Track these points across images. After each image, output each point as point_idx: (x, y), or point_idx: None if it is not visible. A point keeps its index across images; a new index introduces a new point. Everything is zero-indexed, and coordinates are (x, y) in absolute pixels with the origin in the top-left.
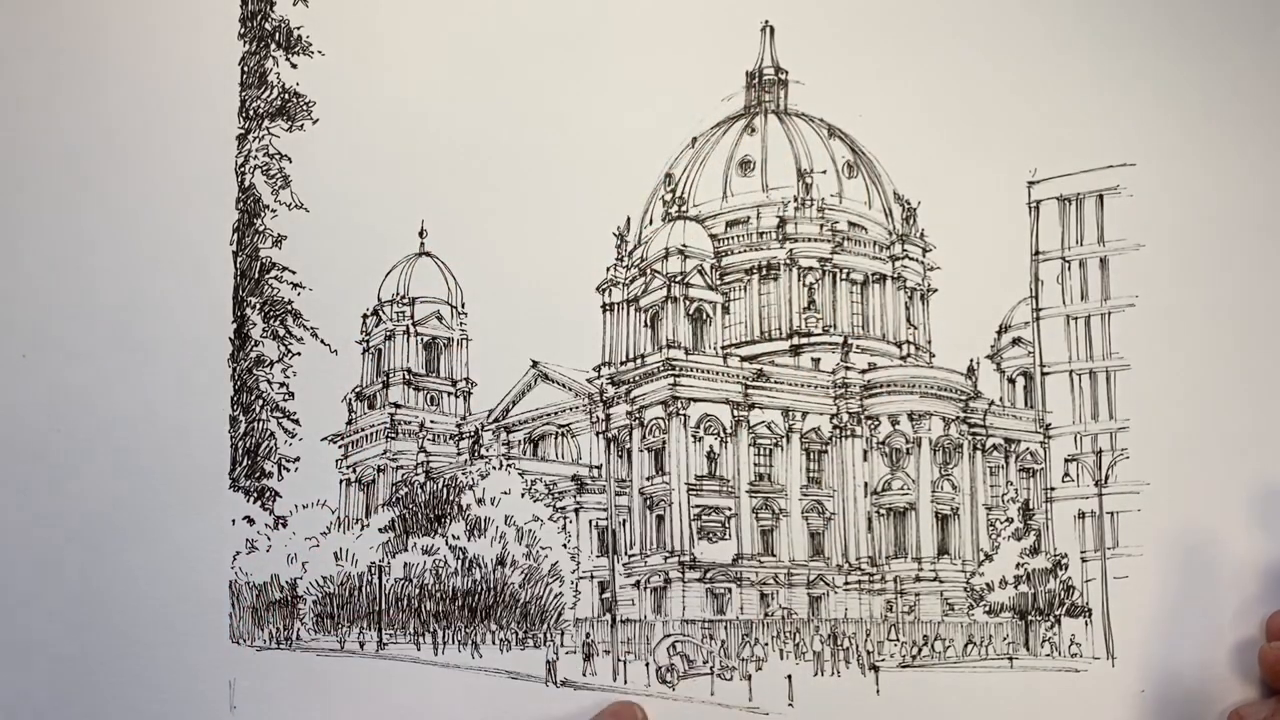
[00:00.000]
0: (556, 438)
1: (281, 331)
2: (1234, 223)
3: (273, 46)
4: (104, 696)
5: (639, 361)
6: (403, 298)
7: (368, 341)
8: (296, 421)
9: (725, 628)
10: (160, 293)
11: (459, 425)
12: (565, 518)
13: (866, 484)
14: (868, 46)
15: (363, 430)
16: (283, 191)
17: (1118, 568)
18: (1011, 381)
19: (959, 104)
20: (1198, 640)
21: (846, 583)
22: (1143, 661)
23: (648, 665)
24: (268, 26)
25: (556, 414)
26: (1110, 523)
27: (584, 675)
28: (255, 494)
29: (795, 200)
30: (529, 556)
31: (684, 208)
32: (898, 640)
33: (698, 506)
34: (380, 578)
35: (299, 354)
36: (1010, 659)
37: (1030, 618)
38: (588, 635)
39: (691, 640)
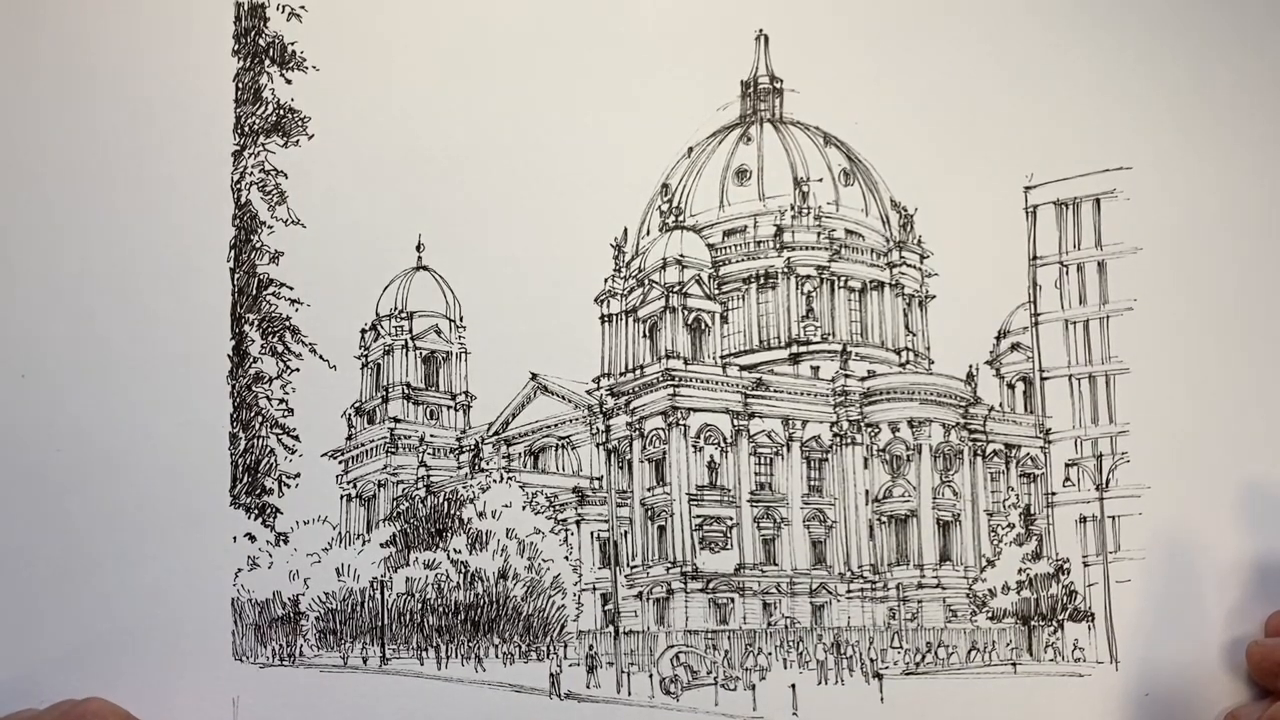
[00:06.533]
0: (557, 450)
1: (280, 348)
2: (1232, 225)
3: (267, 63)
4: None
5: (638, 372)
6: (401, 312)
7: (366, 356)
8: (296, 438)
9: (728, 637)
10: (158, 310)
11: (459, 439)
12: (567, 530)
13: (867, 491)
14: (862, 54)
15: (363, 445)
16: (279, 207)
17: (1120, 572)
18: (1011, 387)
19: (954, 110)
20: (1201, 643)
21: (849, 591)
22: (1146, 665)
23: (651, 676)
24: (261, 43)
25: (556, 426)
26: (1111, 527)
27: (588, 687)
28: (256, 511)
29: (792, 209)
30: (531, 569)
31: (681, 218)
32: (901, 648)
33: (699, 516)
34: (382, 593)
35: (298, 370)
36: (1014, 664)
37: (1033, 623)
38: (591, 647)
39: (695, 650)
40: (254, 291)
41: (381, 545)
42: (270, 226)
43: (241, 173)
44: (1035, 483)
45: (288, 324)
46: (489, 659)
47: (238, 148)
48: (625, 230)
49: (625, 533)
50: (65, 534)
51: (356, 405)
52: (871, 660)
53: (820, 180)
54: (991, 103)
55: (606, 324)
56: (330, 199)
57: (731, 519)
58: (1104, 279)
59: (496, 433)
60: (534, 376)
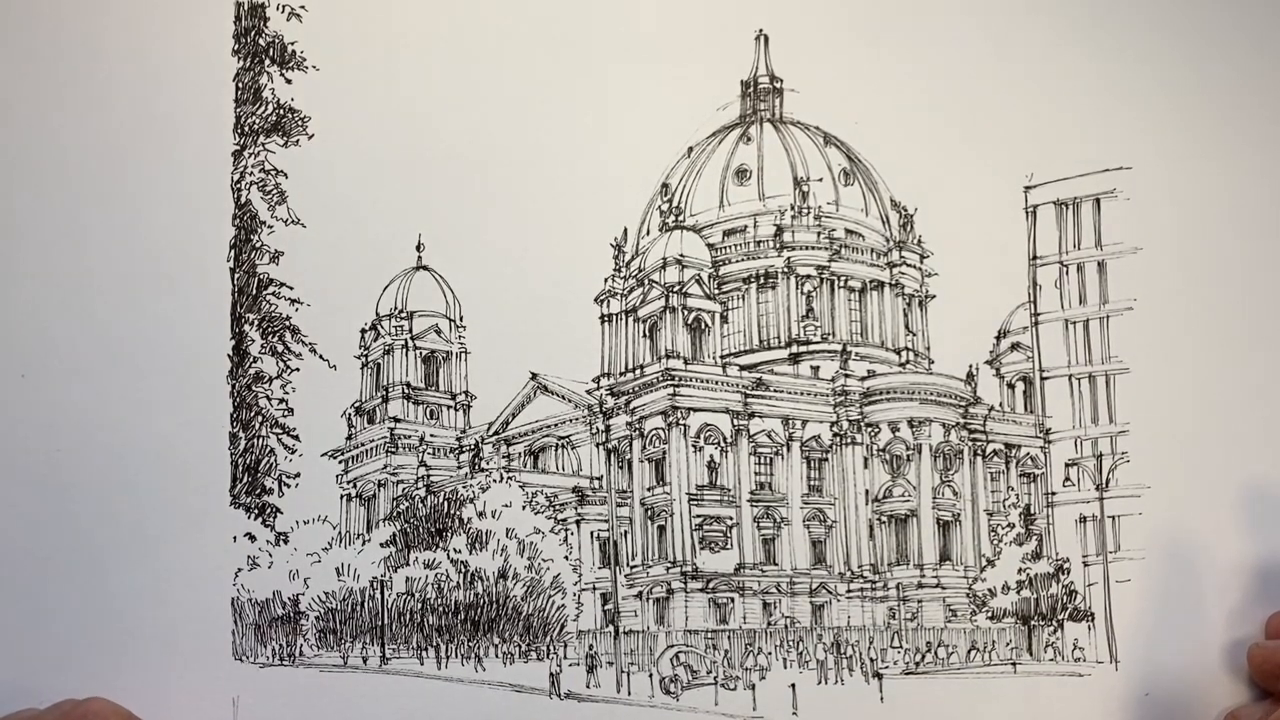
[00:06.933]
0: (557, 450)
1: (280, 347)
2: (1232, 225)
3: (266, 62)
4: None
5: (638, 372)
6: (401, 312)
7: (366, 356)
8: (296, 437)
9: (728, 637)
10: (159, 310)
11: (459, 439)
12: (567, 530)
13: (867, 491)
14: (862, 53)
15: (363, 445)
16: (279, 207)
17: (1120, 571)
18: (1011, 387)
19: (955, 110)
20: (1201, 643)
21: (849, 590)
22: (1146, 665)
23: (651, 676)
24: (261, 43)
25: (556, 426)
26: (1111, 526)
27: (588, 687)
28: (256, 511)
29: (792, 209)
30: (531, 569)
31: (681, 218)
32: (901, 647)
33: (699, 516)
34: (382, 592)
35: (298, 370)
36: (1014, 664)
37: (1033, 622)
38: (591, 647)
39: (695, 650)
40: (254, 291)
41: (381, 545)
42: (270, 226)
43: (241, 173)
44: (1035, 483)
45: (288, 324)
46: (489, 659)
47: (238, 148)
48: (625, 230)
49: (625, 533)
50: (65, 534)
51: (356, 405)
52: (871, 660)
53: (820, 180)
54: (992, 103)
55: (606, 324)
56: (330, 199)
57: (731, 519)
58: (1104, 279)
59: (496, 433)
60: (534, 376)
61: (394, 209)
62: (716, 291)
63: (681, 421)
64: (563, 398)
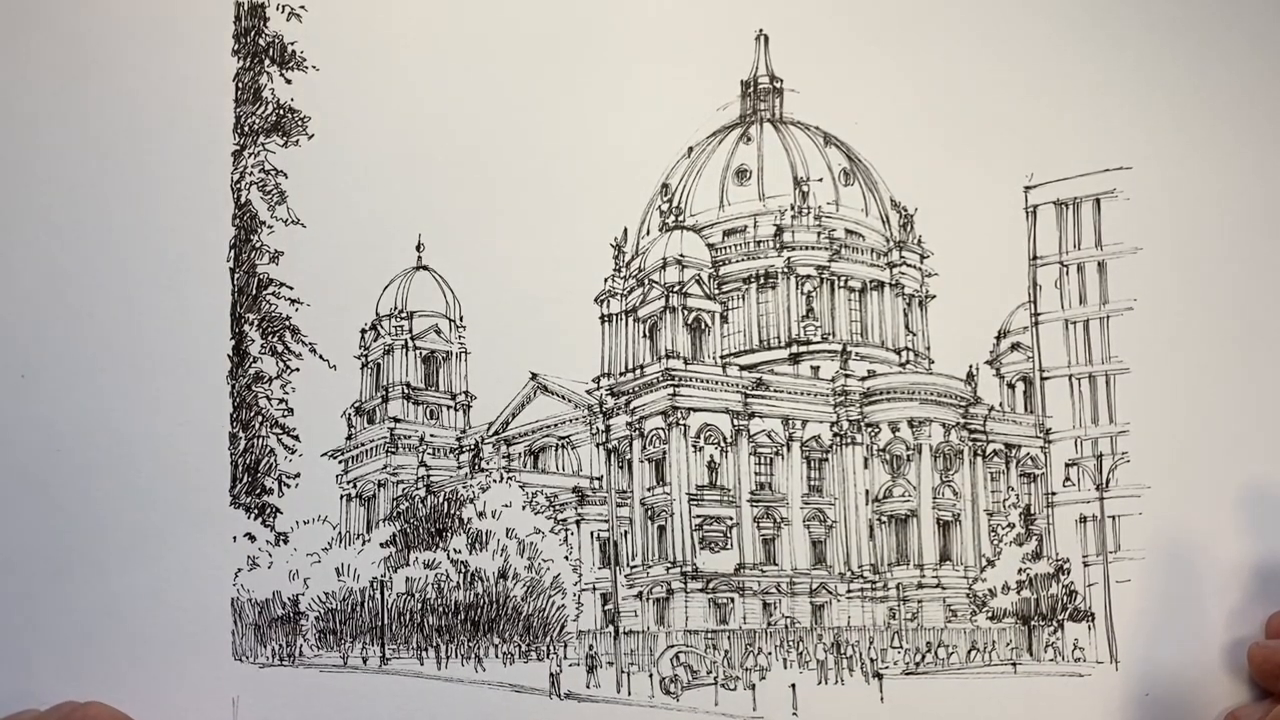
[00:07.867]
0: (557, 450)
1: (280, 347)
2: (1232, 225)
3: (266, 62)
4: None
5: (638, 372)
6: (401, 312)
7: (366, 356)
8: (296, 437)
9: (728, 637)
10: (158, 310)
11: (459, 439)
12: (567, 530)
13: (868, 491)
14: (862, 54)
15: (363, 445)
16: (279, 207)
17: (1120, 571)
18: (1011, 387)
19: (955, 110)
20: (1201, 643)
21: (849, 591)
22: (1146, 665)
23: (651, 676)
24: (261, 43)
25: (556, 426)
26: (1111, 527)
27: (588, 687)
28: (256, 511)
29: (792, 209)
30: (531, 569)
31: (681, 218)
32: (901, 647)
33: (699, 516)
34: (382, 593)
35: (298, 370)
36: (1014, 664)
37: (1033, 623)
38: (591, 647)
39: (695, 650)
40: (254, 291)
41: (381, 545)
42: (270, 226)
43: (241, 173)
44: (1035, 483)
45: (288, 324)
46: (489, 659)
47: (238, 148)
48: (625, 230)
49: (625, 533)
50: (65, 534)
51: (356, 405)
52: (871, 660)
53: (820, 180)
54: (992, 103)
55: (606, 324)
56: (330, 199)
57: (731, 519)
58: (1104, 279)
59: (496, 433)
60: (534, 376)
61: (394, 209)
62: (716, 291)
63: (681, 421)
64: (563, 398)
